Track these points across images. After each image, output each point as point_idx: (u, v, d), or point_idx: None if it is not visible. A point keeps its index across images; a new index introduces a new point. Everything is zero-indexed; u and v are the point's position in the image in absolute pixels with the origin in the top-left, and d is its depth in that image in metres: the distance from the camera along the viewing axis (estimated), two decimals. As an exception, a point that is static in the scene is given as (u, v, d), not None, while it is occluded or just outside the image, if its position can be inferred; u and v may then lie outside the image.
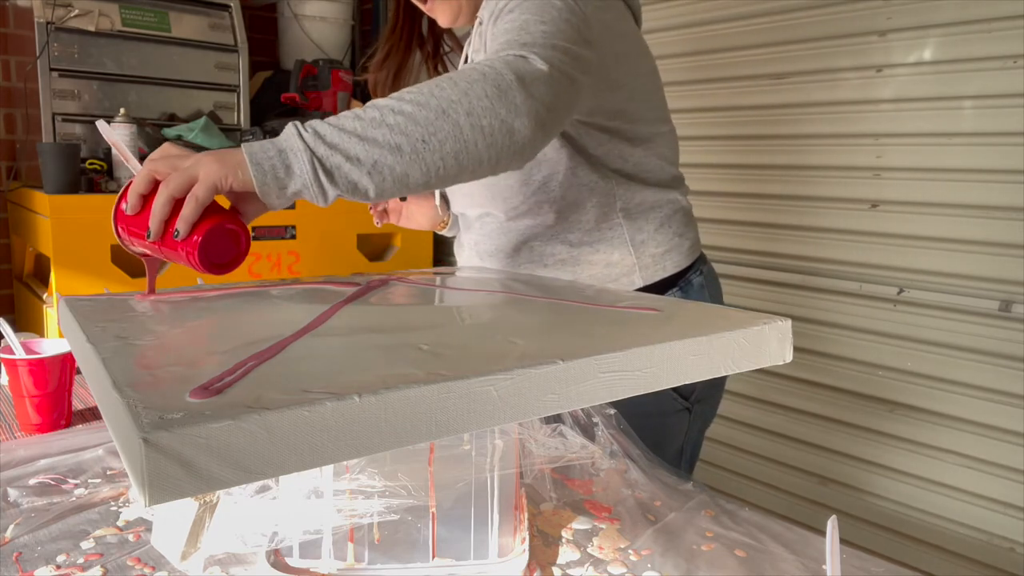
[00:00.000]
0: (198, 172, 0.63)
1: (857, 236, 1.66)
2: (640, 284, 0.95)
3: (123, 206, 0.67)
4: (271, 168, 0.63)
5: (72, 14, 2.20)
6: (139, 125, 2.17)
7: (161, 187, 0.63)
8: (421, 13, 1.02)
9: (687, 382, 0.51)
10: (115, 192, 2.10)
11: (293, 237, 2.38)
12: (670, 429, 0.98)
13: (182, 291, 0.70)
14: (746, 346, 0.55)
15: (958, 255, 1.51)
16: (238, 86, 2.54)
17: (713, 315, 0.61)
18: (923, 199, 1.55)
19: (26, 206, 2.26)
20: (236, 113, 2.55)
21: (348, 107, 2.72)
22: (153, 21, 2.36)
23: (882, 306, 1.63)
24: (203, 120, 2.31)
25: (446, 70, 1.07)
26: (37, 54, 2.16)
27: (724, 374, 0.54)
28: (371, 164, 0.65)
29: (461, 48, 1.05)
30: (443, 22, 0.97)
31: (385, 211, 1.15)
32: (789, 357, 0.58)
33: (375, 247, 2.67)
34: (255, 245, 2.31)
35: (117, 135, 0.77)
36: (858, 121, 1.64)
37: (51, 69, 2.19)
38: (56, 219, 1.99)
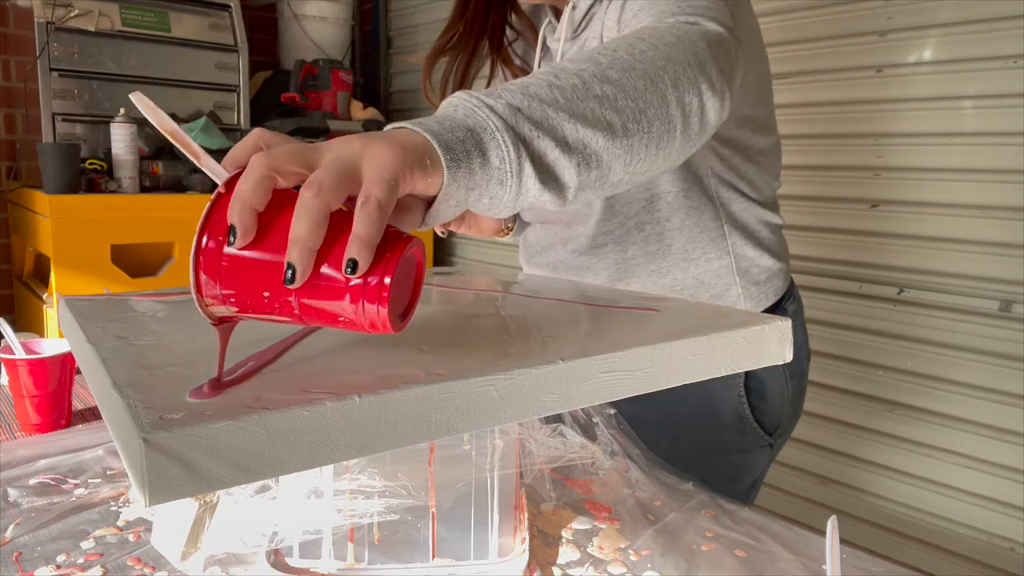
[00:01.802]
0: (360, 165, 0.38)
1: (857, 236, 1.66)
2: None
3: (206, 242, 0.38)
4: (464, 152, 0.42)
5: (72, 14, 2.20)
6: (139, 125, 2.17)
7: (306, 195, 0.37)
8: None
9: (687, 382, 0.51)
10: (115, 192, 2.09)
11: (293, 237, 2.37)
12: (750, 465, 0.93)
13: (182, 291, 0.70)
14: (746, 346, 0.55)
15: (958, 255, 1.51)
16: (238, 86, 2.54)
17: (713, 315, 0.61)
18: (923, 199, 1.55)
19: (26, 206, 2.26)
20: (236, 113, 2.55)
21: (348, 107, 2.72)
22: (153, 21, 2.36)
23: (882, 306, 1.63)
24: (203, 120, 2.31)
25: (510, 61, 0.93)
26: (37, 54, 2.16)
27: (724, 374, 0.54)
28: (580, 151, 0.47)
29: (534, 33, 0.92)
30: None
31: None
32: (789, 357, 0.58)
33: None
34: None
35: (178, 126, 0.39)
36: (858, 121, 1.64)
37: (51, 69, 2.19)
38: (56, 219, 1.99)
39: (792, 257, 1.86)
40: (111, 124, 2.10)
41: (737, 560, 0.65)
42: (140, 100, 0.44)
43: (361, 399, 0.37)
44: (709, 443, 0.90)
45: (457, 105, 0.45)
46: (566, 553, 0.65)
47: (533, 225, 0.97)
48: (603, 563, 0.64)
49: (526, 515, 0.66)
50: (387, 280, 0.37)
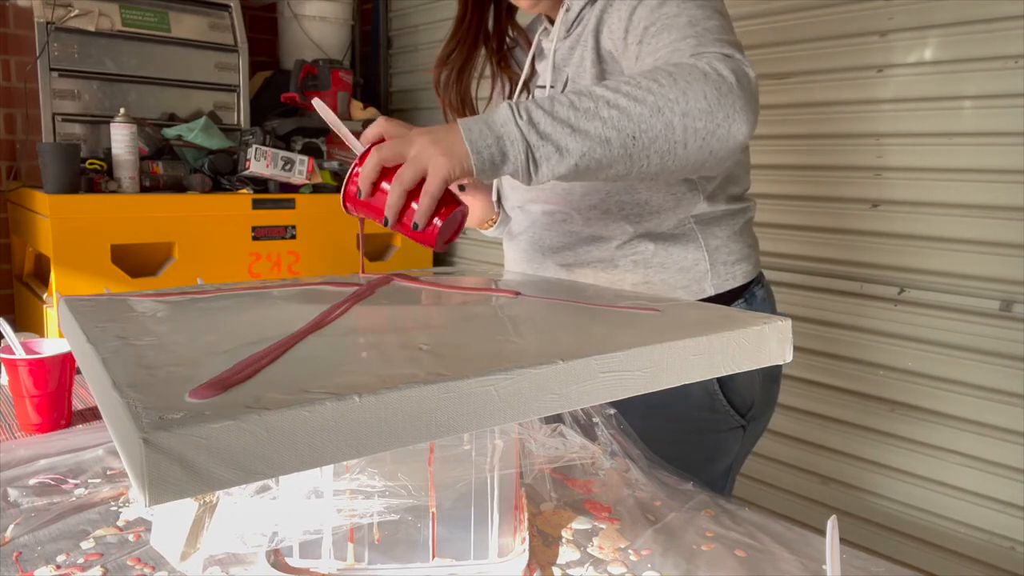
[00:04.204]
0: (426, 165, 0.66)
1: (857, 236, 1.66)
2: (711, 293, 0.92)
3: (351, 189, 0.72)
4: (489, 156, 0.67)
5: (72, 14, 2.20)
6: (139, 125, 2.17)
7: (395, 183, 0.68)
8: (489, 5, 1.00)
9: (687, 382, 0.52)
10: (115, 192, 2.10)
11: (293, 237, 2.37)
12: (723, 446, 0.96)
13: (182, 291, 0.70)
14: (746, 346, 0.55)
15: (959, 255, 1.51)
16: (238, 86, 2.54)
17: (713, 315, 0.61)
18: (923, 199, 1.55)
19: (26, 206, 2.26)
20: (236, 113, 2.55)
21: (348, 107, 2.73)
22: (153, 21, 2.36)
23: (883, 306, 1.63)
24: (203, 120, 2.31)
25: (508, 67, 1.04)
26: (37, 54, 2.16)
27: (724, 374, 0.54)
28: (579, 155, 0.67)
29: (529, 42, 1.02)
30: (525, 5, 0.93)
31: None
32: (789, 357, 0.58)
33: (375, 247, 2.67)
34: (255, 245, 2.31)
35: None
36: (858, 121, 1.64)
37: (51, 69, 2.19)
38: (56, 219, 1.99)
39: (792, 257, 1.85)
40: (111, 124, 2.10)
41: (737, 560, 0.65)
42: (317, 104, 0.80)
43: (361, 399, 0.37)
44: (682, 422, 0.94)
45: (497, 113, 0.68)
46: (566, 553, 0.65)
47: (514, 212, 1.05)
48: (603, 563, 0.64)
49: (526, 515, 0.66)
50: (435, 229, 0.70)
